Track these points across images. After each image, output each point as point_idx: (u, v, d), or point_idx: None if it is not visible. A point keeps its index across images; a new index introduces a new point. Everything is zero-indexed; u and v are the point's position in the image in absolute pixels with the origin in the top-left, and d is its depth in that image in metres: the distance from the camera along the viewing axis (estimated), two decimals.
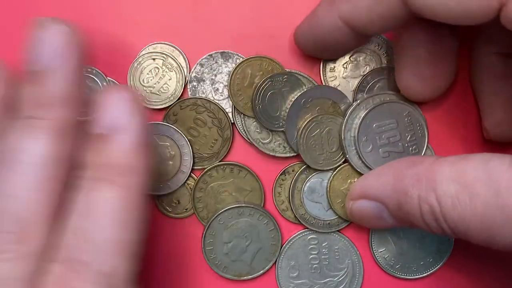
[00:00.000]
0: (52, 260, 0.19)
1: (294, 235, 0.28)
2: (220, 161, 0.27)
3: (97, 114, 0.21)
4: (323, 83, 0.27)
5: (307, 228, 0.27)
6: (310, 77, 0.27)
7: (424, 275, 0.27)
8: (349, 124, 0.27)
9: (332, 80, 0.27)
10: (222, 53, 0.27)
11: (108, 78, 0.27)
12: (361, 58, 0.28)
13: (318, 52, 0.27)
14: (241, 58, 0.27)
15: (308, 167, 0.27)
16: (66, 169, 0.20)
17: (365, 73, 0.27)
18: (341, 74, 0.27)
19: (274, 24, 0.27)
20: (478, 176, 0.20)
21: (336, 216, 0.27)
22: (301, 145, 0.26)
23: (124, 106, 0.21)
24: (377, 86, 0.27)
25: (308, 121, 0.26)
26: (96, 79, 0.27)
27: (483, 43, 0.26)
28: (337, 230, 0.27)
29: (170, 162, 0.27)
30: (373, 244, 0.27)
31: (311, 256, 0.28)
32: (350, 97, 0.27)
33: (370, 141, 0.26)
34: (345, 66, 0.27)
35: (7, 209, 0.19)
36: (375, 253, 0.27)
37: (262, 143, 0.27)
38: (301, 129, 0.26)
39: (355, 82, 0.27)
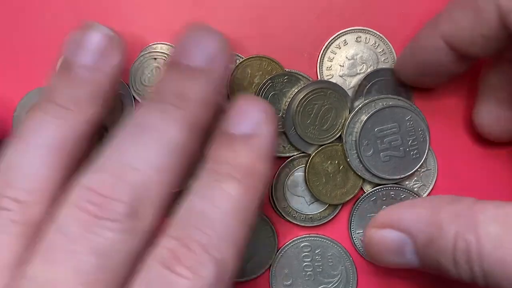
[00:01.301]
0: (165, 235, 0.20)
1: (287, 243, 0.28)
2: None
3: (235, 117, 0.22)
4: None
5: (290, 222, 0.28)
6: (310, 77, 0.27)
7: None
8: (351, 128, 0.27)
9: (329, 79, 0.28)
10: None
11: None
12: (358, 56, 0.28)
13: (417, 77, 0.26)
14: (241, 58, 0.27)
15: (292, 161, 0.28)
16: (188, 159, 0.21)
17: (362, 71, 0.28)
18: (338, 72, 0.28)
19: (274, 24, 0.28)
20: None
21: (318, 211, 0.28)
22: (297, 113, 0.27)
23: (262, 115, 0.22)
24: (373, 88, 0.28)
25: (313, 90, 0.27)
26: None
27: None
28: (318, 227, 0.28)
29: None
30: (352, 225, 0.28)
31: (304, 264, 0.28)
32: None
33: (371, 145, 0.27)
34: (342, 64, 0.28)
35: (122, 177, 0.19)
36: (353, 235, 0.28)
37: None
38: (303, 96, 0.27)
39: (352, 80, 0.28)
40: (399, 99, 0.27)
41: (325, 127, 0.27)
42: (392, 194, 0.28)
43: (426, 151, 0.27)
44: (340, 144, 0.27)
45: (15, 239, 0.20)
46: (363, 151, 0.27)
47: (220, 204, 0.20)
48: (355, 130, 0.27)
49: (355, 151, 0.27)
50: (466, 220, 0.20)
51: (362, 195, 0.28)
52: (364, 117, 0.27)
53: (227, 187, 0.20)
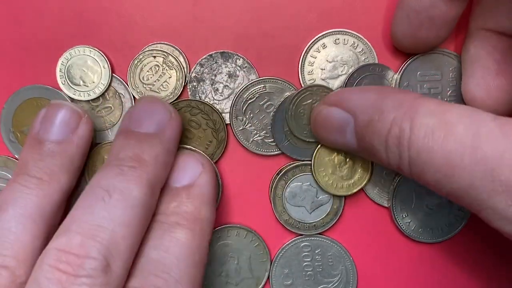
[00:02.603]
0: (129, 284, 0.22)
1: (287, 243, 0.28)
2: (215, 162, 0.28)
3: (176, 172, 0.25)
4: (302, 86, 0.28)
5: (293, 232, 0.28)
6: (291, 83, 0.28)
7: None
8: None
9: (312, 83, 0.28)
10: (222, 53, 0.28)
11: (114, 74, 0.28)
12: (338, 58, 0.28)
13: (416, 32, 0.25)
14: (241, 58, 0.27)
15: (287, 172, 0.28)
16: (150, 212, 0.23)
17: (343, 72, 0.27)
18: (320, 76, 0.28)
19: (274, 24, 0.28)
20: (461, 118, 0.20)
21: (321, 218, 0.28)
22: (289, 111, 0.27)
23: (199, 166, 0.25)
24: (363, 82, 0.27)
25: (302, 90, 0.27)
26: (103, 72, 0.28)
27: (479, 17, 0.26)
28: (321, 233, 0.28)
29: None
30: (394, 199, 0.28)
31: (304, 264, 0.28)
32: None
33: (411, 87, 0.27)
34: (323, 68, 0.28)
35: (92, 236, 0.21)
36: (398, 220, 0.28)
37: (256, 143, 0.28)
38: (294, 95, 0.27)
39: (335, 82, 0.28)
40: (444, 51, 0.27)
41: None
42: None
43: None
44: None
45: None
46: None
47: (172, 250, 0.23)
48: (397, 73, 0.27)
49: None
50: (406, 109, 0.21)
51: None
52: (409, 59, 0.27)
53: (176, 234, 0.23)
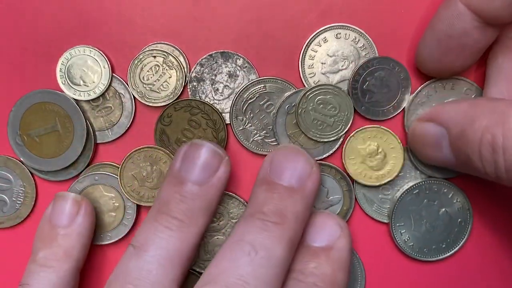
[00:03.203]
0: None
1: None
2: None
3: (315, 231, 0.25)
4: (303, 81, 0.28)
5: None
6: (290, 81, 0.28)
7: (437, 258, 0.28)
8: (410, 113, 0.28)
9: (312, 77, 0.28)
10: (222, 53, 0.28)
11: (114, 74, 0.28)
12: (339, 53, 0.28)
13: (443, 57, 0.25)
14: (241, 58, 0.28)
15: None
16: (286, 270, 0.24)
17: (344, 67, 0.28)
18: (320, 70, 0.28)
19: (274, 24, 0.28)
20: None
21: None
22: (300, 108, 0.27)
23: (338, 228, 0.25)
24: (372, 77, 0.27)
25: (317, 86, 0.27)
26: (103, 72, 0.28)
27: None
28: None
29: (113, 214, 0.28)
30: (393, 217, 0.28)
31: None
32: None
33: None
34: (323, 62, 0.28)
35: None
36: (393, 227, 0.28)
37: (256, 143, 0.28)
38: (308, 91, 0.27)
39: (335, 77, 0.28)
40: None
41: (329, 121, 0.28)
42: (434, 188, 0.28)
43: None
44: (381, 126, 0.27)
45: None
46: None
47: None
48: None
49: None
50: (499, 115, 0.21)
51: (406, 189, 0.28)
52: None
53: None
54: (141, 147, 0.28)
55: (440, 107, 0.25)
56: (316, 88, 0.27)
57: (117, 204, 0.28)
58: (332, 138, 0.27)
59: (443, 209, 0.28)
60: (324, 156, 0.28)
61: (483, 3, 0.22)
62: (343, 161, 0.28)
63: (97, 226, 0.28)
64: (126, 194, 0.28)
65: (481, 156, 0.21)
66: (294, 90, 0.27)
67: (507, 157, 0.20)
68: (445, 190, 0.28)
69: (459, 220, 0.28)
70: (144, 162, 0.28)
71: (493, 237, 0.29)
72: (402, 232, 0.28)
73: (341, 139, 0.28)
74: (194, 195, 0.24)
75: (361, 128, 0.27)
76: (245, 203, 0.28)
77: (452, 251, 0.28)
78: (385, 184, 0.28)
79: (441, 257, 0.28)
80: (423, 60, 0.26)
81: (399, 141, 0.27)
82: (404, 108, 0.27)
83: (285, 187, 0.24)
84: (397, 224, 0.28)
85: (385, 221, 0.28)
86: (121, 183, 0.28)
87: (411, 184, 0.28)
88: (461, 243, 0.28)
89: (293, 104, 0.27)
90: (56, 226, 0.26)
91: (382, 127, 0.27)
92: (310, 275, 0.24)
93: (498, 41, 0.25)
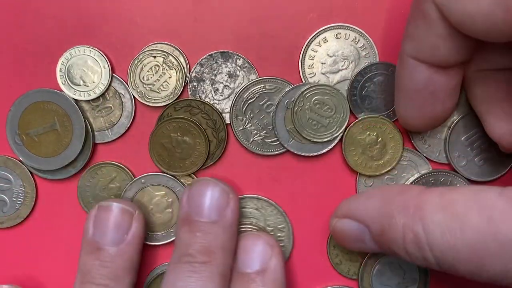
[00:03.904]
0: None
1: None
2: (214, 163, 0.28)
3: (246, 256, 0.26)
4: (303, 81, 0.28)
5: None
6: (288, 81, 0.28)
7: None
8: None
9: (312, 77, 0.28)
10: (222, 53, 0.28)
11: (114, 74, 0.28)
12: (339, 53, 0.28)
13: (422, 111, 0.25)
14: (241, 58, 0.27)
15: None
16: None
17: (344, 67, 0.28)
18: (320, 70, 0.28)
19: (274, 24, 0.28)
20: (468, 205, 0.20)
21: None
22: (296, 106, 0.27)
23: (268, 248, 0.26)
24: (371, 83, 0.28)
25: (315, 85, 0.27)
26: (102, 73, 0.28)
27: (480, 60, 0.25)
28: None
29: (169, 210, 0.28)
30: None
31: None
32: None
33: (462, 156, 0.27)
34: (323, 62, 0.28)
35: None
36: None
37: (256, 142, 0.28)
38: (306, 90, 0.27)
39: (335, 77, 0.28)
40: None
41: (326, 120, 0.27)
42: (432, 180, 0.28)
43: None
44: (380, 116, 0.27)
45: None
46: (457, 163, 0.27)
47: None
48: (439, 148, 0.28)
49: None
50: (414, 211, 0.21)
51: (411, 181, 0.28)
52: (445, 132, 0.28)
53: None
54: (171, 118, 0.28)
55: (354, 203, 0.24)
56: (314, 87, 0.27)
57: (171, 200, 0.28)
58: (326, 139, 0.27)
59: None
60: (323, 151, 0.28)
61: (428, 54, 0.22)
62: (343, 152, 0.28)
63: (157, 226, 0.28)
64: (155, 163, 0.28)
65: (408, 253, 0.21)
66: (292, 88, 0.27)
67: (436, 253, 0.20)
68: (443, 180, 0.28)
69: None
70: (174, 132, 0.28)
71: None
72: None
73: (336, 141, 0.28)
74: (113, 257, 0.25)
75: (360, 119, 0.27)
76: (283, 213, 0.28)
77: None
78: (384, 173, 0.28)
79: None
80: (405, 120, 0.26)
81: (398, 130, 0.27)
82: None
83: (206, 222, 0.25)
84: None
85: None
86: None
87: (411, 180, 0.28)
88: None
89: (292, 100, 0.27)
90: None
91: (381, 116, 0.27)
92: None
93: (467, 79, 0.26)
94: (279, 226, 0.28)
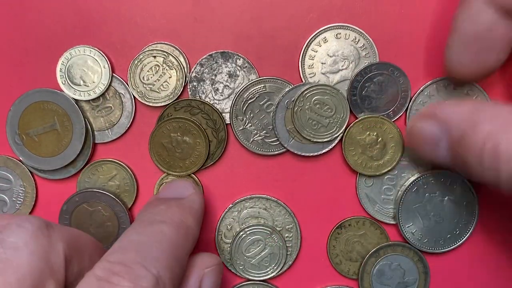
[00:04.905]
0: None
1: None
2: (214, 163, 0.28)
3: (168, 187, 0.26)
4: (303, 81, 0.28)
5: None
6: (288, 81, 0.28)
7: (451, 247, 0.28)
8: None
9: (312, 77, 0.28)
10: (222, 53, 0.28)
11: (114, 74, 0.28)
12: (339, 53, 0.28)
13: (475, 60, 0.24)
14: (241, 58, 0.27)
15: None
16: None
17: (344, 67, 0.28)
18: (320, 70, 0.28)
19: (274, 24, 0.28)
20: None
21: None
22: (296, 106, 0.27)
23: (190, 185, 0.26)
24: (371, 83, 0.28)
25: (315, 85, 0.27)
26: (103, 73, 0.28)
27: None
28: None
29: (109, 223, 0.28)
30: (400, 220, 0.28)
31: None
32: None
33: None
34: (323, 62, 0.28)
35: None
36: (403, 229, 0.28)
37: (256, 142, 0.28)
38: (306, 90, 0.27)
39: (335, 77, 0.28)
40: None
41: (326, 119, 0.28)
42: (432, 180, 0.28)
43: None
44: (380, 116, 0.27)
45: None
46: None
47: (155, 238, 0.22)
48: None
49: None
50: (504, 121, 0.20)
51: (404, 189, 0.28)
52: None
53: (161, 228, 0.22)
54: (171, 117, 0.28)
55: (442, 106, 0.24)
56: (314, 87, 0.27)
57: (107, 214, 0.28)
58: (326, 139, 0.27)
59: (446, 198, 0.28)
60: (323, 151, 0.28)
61: None
62: (343, 152, 0.28)
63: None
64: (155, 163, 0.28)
65: (482, 162, 0.21)
66: (292, 88, 0.27)
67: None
68: (443, 179, 0.28)
69: (465, 202, 0.28)
70: (174, 132, 0.28)
71: (502, 210, 0.29)
72: (413, 232, 0.28)
73: (336, 141, 0.28)
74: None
75: (360, 119, 0.27)
76: (292, 213, 0.28)
77: (468, 233, 0.28)
78: (384, 173, 0.28)
79: (458, 243, 0.28)
80: (455, 66, 0.25)
81: (398, 130, 0.27)
82: (406, 108, 0.28)
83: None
84: (406, 226, 0.28)
85: (391, 222, 0.28)
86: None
87: (411, 180, 0.28)
88: (474, 223, 0.28)
89: (292, 100, 0.27)
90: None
91: (381, 116, 0.27)
92: (158, 214, 0.23)
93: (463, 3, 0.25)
94: (287, 227, 0.28)
